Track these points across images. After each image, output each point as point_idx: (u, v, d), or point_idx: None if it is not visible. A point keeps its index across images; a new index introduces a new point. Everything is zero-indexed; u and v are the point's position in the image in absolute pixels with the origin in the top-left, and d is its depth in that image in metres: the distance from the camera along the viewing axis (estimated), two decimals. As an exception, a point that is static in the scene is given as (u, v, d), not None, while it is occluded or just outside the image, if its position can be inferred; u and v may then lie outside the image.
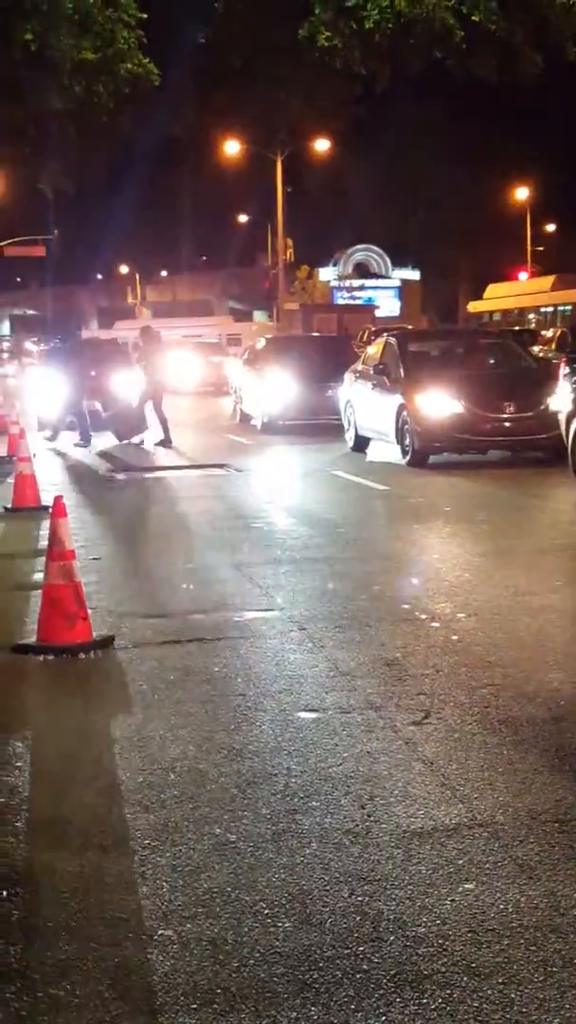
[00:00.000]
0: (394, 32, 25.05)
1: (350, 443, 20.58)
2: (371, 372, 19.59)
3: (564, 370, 15.54)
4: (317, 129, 51.96)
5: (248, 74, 33.72)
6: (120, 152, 42.30)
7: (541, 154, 61.38)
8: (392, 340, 20.12)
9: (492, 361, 20.05)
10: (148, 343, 23.79)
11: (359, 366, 20.95)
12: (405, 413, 17.70)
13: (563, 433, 15.10)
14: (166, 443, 22.12)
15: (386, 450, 18.90)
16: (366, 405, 19.61)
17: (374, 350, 20.65)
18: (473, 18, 24.81)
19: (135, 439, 22.72)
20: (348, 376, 21.04)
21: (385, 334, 23.16)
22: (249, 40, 30.23)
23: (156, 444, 22.09)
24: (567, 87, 42.07)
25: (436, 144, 63.16)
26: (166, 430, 22.35)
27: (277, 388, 24.49)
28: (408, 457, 17.66)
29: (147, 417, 22.78)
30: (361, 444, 20.21)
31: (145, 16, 25.19)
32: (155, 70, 26.04)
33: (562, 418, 15.16)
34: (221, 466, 18.53)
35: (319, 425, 23.44)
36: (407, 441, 17.73)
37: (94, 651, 7.49)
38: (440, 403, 17.34)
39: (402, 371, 18.54)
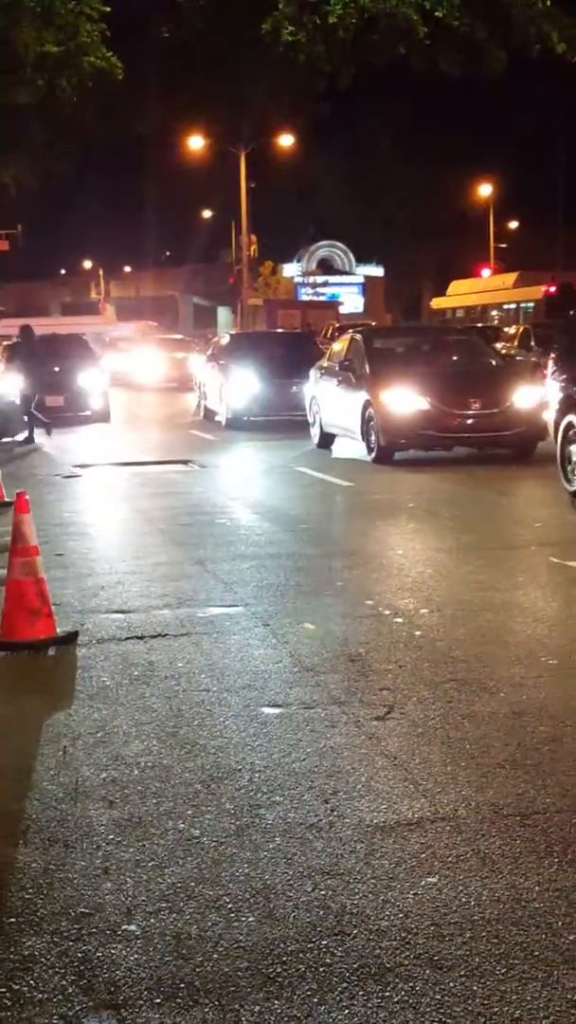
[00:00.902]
0: (358, 28, 25.07)
1: (315, 440, 20.49)
2: (336, 368, 19.44)
3: (551, 368, 15.33)
4: (281, 124, 51.98)
5: (212, 69, 33.67)
6: (84, 146, 42.15)
7: (505, 151, 61.65)
8: (357, 336, 19.99)
9: (457, 358, 19.86)
10: (26, 342, 24.06)
11: (324, 362, 20.77)
12: (371, 410, 17.60)
13: (552, 434, 14.68)
14: (29, 440, 22.54)
15: (352, 447, 18.90)
16: (331, 402, 19.51)
17: (339, 346, 20.52)
18: (436, 14, 24.87)
19: (18, 437, 22.66)
20: (313, 372, 20.91)
21: (350, 330, 22.98)
22: (213, 35, 30.19)
23: (22, 443, 22.04)
24: (531, 84, 42.29)
25: (400, 140, 63.35)
26: (32, 429, 22.81)
27: (241, 384, 24.36)
28: (374, 454, 17.58)
29: (33, 415, 22.88)
30: (326, 441, 20.16)
31: (108, 9, 25.07)
32: (119, 64, 25.92)
33: (550, 418, 14.83)
34: (185, 462, 18.51)
35: (283, 421, 23.42)
36: (372, 438, 17.63)
37: (58, 647, 7.49)
38: (406, 399, 17.23)
39: (367, 367, 18.41)
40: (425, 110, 55.77)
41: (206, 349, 31.39)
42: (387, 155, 65.24)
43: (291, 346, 27.31)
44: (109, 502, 14.96)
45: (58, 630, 7.61)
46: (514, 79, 34.34)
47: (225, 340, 29.18)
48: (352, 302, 75.41)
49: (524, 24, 26.08)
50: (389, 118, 59.88)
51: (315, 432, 20.62)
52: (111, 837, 4.73)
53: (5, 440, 22.44)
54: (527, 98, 53.37)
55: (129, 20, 27.41)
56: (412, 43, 25.72)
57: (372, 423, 17.62)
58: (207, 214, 76.61)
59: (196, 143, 54.18)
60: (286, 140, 54.98)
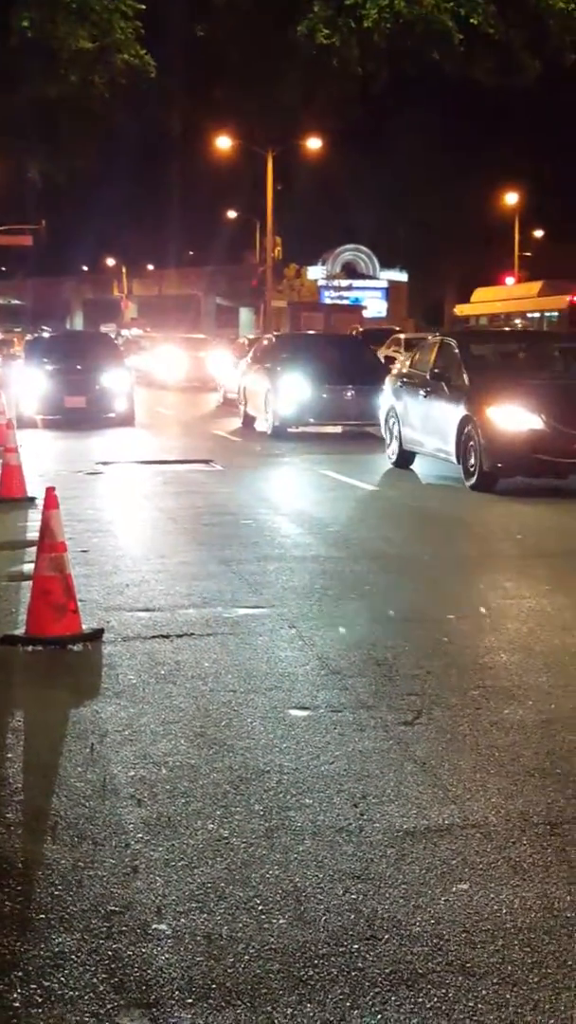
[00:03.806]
0: (392, 32, 25.05)
1: (392, 457, 18.12)
2: (426, 378, 16.87)
3: None
4: (311, 127, 51.93)
5: (244, 69, 33.69)
6: (111, 143, 42.19)
7: (533, 160, 61.60)
8: (451, 341, 17.26)
9: (569, 369, 17.14)
10: None
11: (405, 370, 18.37)
12: (470, 427, 15.21)
13: None
14: None
15: (437, 466, 16.99)
16: (416, 416, 17.09)
17: (420, 354, 17.95)
18: (472, 21, 24.86)
19: None
20: (390, 381, 18.65)
21: (437, 334, 20.19)
22: (247, 35, 30.18)
23: None
24: (562, 94, 42.19)
25: (429, 147, 63.30)
26: None
27: (290, 389, 22.64)
28: (473, 479, 15.14)
29: None
30: (406, 459, 17.78)
31: (143, 7, 25.09)
32: (152, 61, 25.93)
33: None
34: (206, 461, 18.44)
35: (337, 432, 22.53)
36: (472, 460, 15.19)
37: (83, 643, 7.48)
38: (515, 417, 14.85)
39: (466, 378, 15.96)
40: (455, 117, 55.78)
41: (244, 351, 30.12)
42: (416, 161, 65.19)
43: (344, 350, 25.81)
44: (133, 500, 14.94)
45: (84, 627, 7.60)
46: (545, 88, 34.32)
47: (270, 341, 27.23)
48: (375, 306, 75.43)
49: (559, 33, 26.07)
50: (419, 125, 59.81)
51: (392, 449, 18.15)
52: (140, 836, 4.72)
53: None
54: (557, 108, 53.26)
55: (163, 18, 27.41)
56: (446, 50, 25.69)
57: (472, 443, 15.21)
58: (232, 215, 76.65)
59: (224, 143, 54.13)
60: (315, 143, 54.91)
